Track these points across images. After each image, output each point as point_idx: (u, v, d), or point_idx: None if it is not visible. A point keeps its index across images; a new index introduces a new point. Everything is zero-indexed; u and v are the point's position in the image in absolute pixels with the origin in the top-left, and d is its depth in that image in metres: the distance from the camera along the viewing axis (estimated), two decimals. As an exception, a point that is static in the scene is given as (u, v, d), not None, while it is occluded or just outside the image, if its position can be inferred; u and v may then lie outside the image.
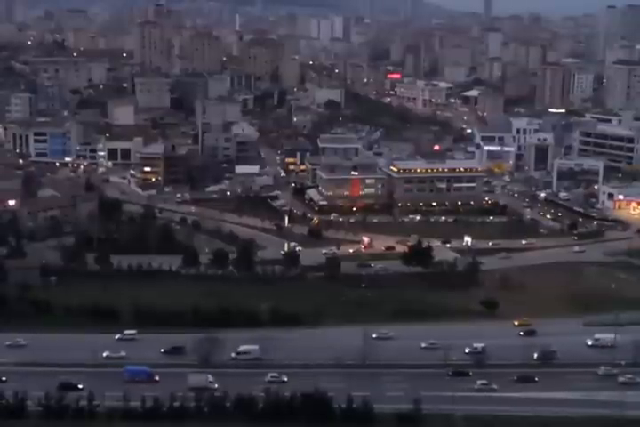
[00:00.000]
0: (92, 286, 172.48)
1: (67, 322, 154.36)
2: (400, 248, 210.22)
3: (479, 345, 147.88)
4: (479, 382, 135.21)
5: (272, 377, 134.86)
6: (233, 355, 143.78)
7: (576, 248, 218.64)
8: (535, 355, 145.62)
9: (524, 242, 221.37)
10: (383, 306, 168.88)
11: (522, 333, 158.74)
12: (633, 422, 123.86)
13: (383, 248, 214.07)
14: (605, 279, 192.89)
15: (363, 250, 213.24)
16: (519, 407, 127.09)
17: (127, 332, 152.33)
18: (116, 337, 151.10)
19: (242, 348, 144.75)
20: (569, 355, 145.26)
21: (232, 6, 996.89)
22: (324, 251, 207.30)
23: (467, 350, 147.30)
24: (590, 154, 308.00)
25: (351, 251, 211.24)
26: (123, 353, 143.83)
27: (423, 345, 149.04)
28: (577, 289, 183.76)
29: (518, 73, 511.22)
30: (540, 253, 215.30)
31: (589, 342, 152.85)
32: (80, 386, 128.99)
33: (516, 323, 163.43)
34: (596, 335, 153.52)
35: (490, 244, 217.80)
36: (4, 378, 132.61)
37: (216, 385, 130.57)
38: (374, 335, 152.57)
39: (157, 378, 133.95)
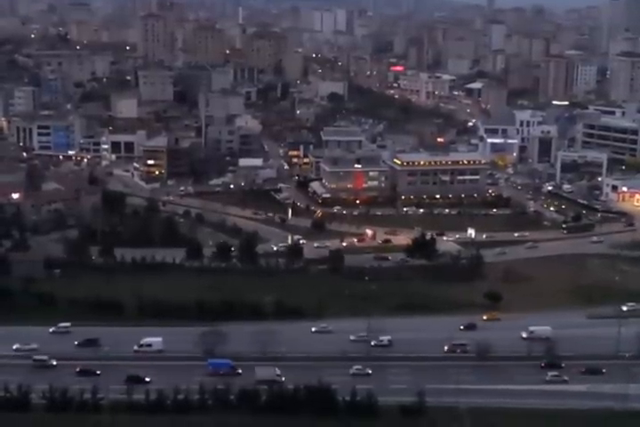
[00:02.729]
0: (95, 279, 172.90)
1: (70, 315, 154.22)
2: (395, 241, 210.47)
3: (385, 338, 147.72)
4: (550, 373, 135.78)
5: (357, 369, 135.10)
6: (135, 347, 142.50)
7: (594, 238, 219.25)
8: (446, 348, 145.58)
9: (516, 235, 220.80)
10: (386, 299, 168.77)
11: (462, 327, 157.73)
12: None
13: (380, 241, 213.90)
14: (609, 272, 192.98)
15: (356, 243, 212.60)
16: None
17: (61, 324, 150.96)
18: (50, 330, 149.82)
19: (144, 340, 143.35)
20: (496, 348, 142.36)
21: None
22: (315, 244, 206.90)
23: (373, 343, 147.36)
24: (594, 146, 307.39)
25: (344, 244, 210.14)
26: (34, 346, 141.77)
27: (352, 338, 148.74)
28: (581, 281, 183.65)
29: (521, 65, 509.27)
30: (550, 244, 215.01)
31: (524, 335, 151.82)
32: (147, 379, 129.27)
33: (485, 317, 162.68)
34: (531, 328, 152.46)
35: (484, 236, 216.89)
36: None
37: (283, 378, 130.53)
38: (313, 329, 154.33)
39: (240, 371, 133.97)
